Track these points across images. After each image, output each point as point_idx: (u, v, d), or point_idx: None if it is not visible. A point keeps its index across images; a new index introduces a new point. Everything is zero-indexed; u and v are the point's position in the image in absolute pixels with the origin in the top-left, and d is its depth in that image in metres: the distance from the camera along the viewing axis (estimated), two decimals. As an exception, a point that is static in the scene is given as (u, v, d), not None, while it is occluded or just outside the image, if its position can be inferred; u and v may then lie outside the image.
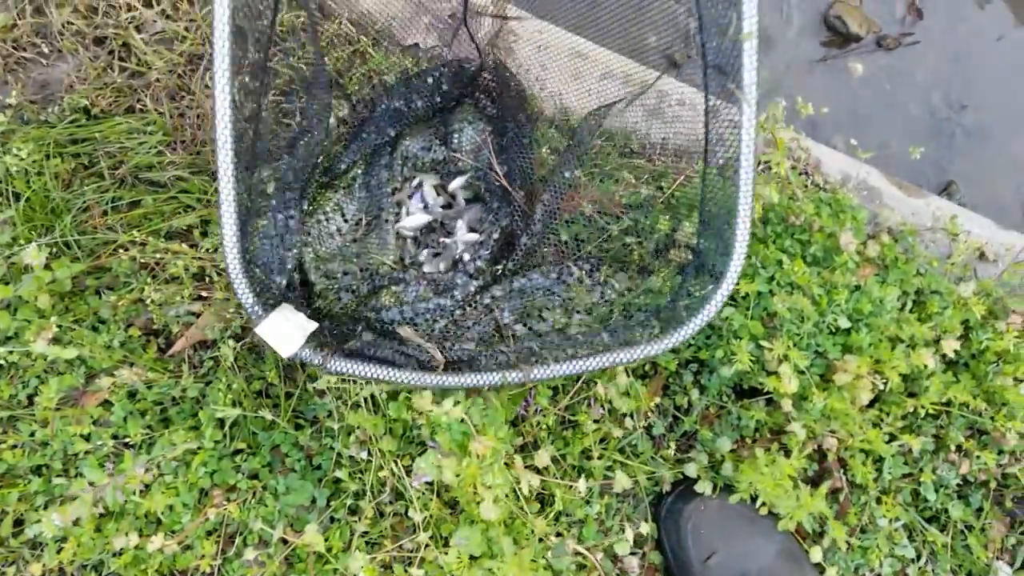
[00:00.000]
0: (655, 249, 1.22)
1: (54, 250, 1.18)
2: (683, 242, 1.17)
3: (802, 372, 1.13)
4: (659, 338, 1.01)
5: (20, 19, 1.37)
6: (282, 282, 1.11)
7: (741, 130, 0.93)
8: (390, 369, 1.02)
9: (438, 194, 1.27)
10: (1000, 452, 1.22)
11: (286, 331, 0.99)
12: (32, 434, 1.12)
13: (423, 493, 1.13)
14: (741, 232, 0.96)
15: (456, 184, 1.24)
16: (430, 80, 1.28)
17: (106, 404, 1.15)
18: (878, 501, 1.20)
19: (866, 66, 1.95)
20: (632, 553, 1.22)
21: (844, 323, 1.14)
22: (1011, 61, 1.98)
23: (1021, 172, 1.94)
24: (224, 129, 0.89)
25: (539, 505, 1.18)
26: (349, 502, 1.16)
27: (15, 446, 1.12)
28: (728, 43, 0.95)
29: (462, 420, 1.03)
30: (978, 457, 1.20)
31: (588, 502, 1.20)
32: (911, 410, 1.18)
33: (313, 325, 1.00)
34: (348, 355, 1.02)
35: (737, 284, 1.13)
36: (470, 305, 1.13)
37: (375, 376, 1.01)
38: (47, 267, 1.12)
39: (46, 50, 1.36)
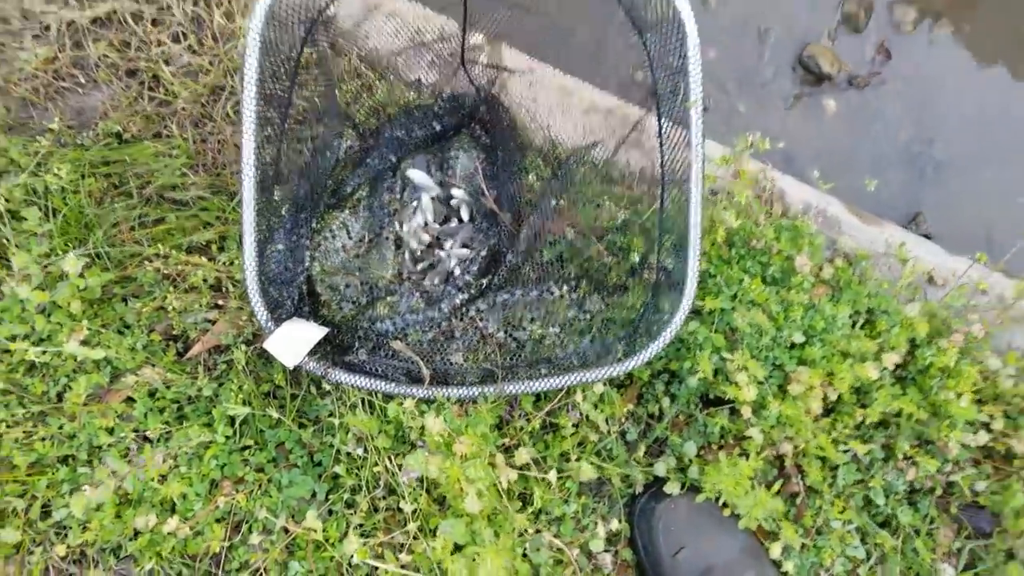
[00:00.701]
0: (631, 269, 1.34)
1: (87, 261, 1.30)
2: (653, 262, 1.29)
3: (761, 382, 1.25)
4: (621, 361, 1.16)
5: (60, 52, 1.51)
6: (294, 295, 1.24)
7: (690, 182, 1.08)
8: (382, 381, 1.15)
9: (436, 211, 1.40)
10: (945, 461, 1.32)
11: (292, 344, 1.12)
12: (60, 427, 1.24)
13: (413, 488, 1.24)
14: (692, 260, 1.11)
15: (457, 199, 1.37)
16: (430, 112, 1.41)
17: (129, 401, 1.26)
18: (832, 505, 1.31)
19: (838, 103, 2.08)
20: (606, 550, 1.32)
21: (799, 338, 1.26)
22: (976, 98, 2.10)
23: (985, 203, 2.06)
24: (248, 161, 1.02)
25: (520, 504, 1.28)
26: (346, 496, 1.26)
27: (44, 438, 1.23)
28: (680, 107, 1.10)
29: (445, 423, 1.15)
30: (924, 465, 1.31)
31: (566, 501, 1.30)
32: (862, 419, 1.28)
33: (323, 331, 1.13)
34: (347, 367, 1.15)
35: (702, 301, 1.26)
36: (457, 317, 1.25)
37: (369, 387, 1.14)
38: (80, 275, 1.24)
39: (83, 80, 1.50)
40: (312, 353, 1.13)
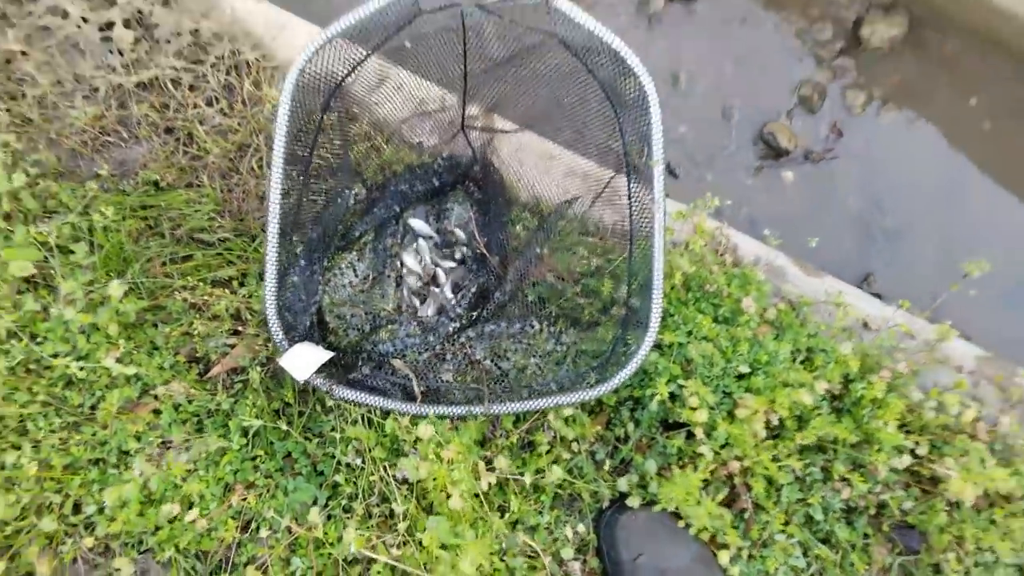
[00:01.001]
0: (602, 307, 1.54)
1: (125, 289, 1.48)
2: (622, 301, 1.48)
3: (712, 407, 1.43)
4: (593, 387, 1.33)
5: (107, 111, 1.74)
6: (306, 322, 1.42)
7: (654, 231, 1.29)
8: (380, 398, 1.32)
9: (431, 252, 1.60)
10: (875, 482, 1.49)
11: (302, 362, 1.29)
12: (94, 434, 1.40)
13: (405, 496, 1.40)
14: (656, 300, 1.30)
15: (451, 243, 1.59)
16: (430, 170, 1.63)
17: (155, 413, 1.43)
18: (776, 519, 1.46)
19: (796, 175, 2.32)
20: (575, 558, 1.47)
21: (745, 369, 1.45)
22: (920, 171, 2.34)
23: (928, 264, 2.28)
24: (274, 208, 1.23)
25: (500, 513, 1.44)
26: (344, 503, 1.42)
27: (79, 443, 1.39)
28: (646, 166, 1.31)
29: (435, 432, 1.32)
30: (858, 486, 1.47)
31: (540, 513, 1.46)
32: (803, 443, 1.46)
33: (328, 355, 1.30)
34: (349, 384, 1.32)
35: (662, 335, 1.45)
36: (449, 342, 1.44)
37: (367, 403, 1.30)
38: (120, 301, 1.43)
39: (126, 136, 1.72)
40: (319, 372, 1.31)
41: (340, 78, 1.46)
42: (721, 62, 2.30)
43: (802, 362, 1.52)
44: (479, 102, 1.69)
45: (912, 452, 1.50)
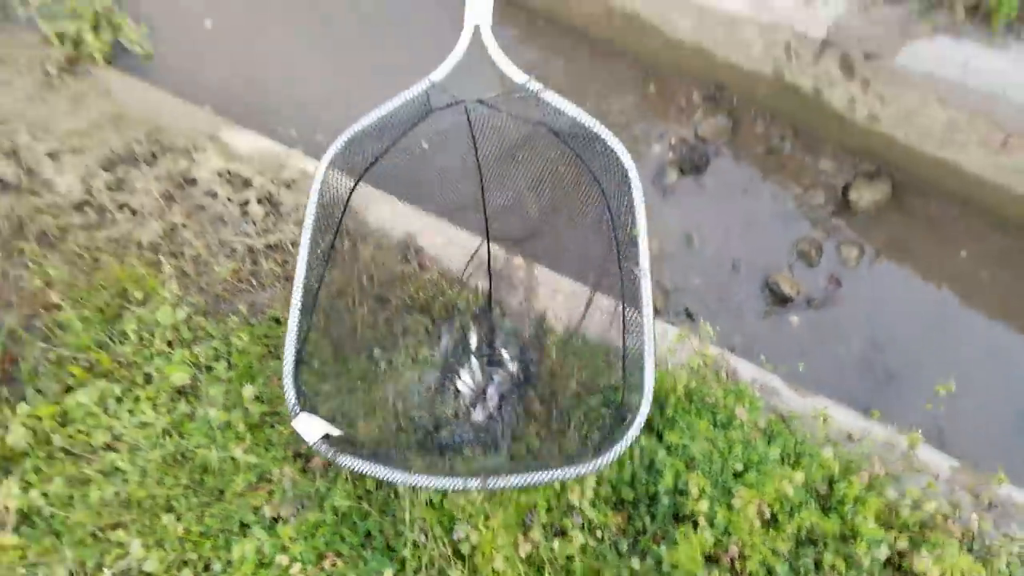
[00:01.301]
0: (617, 412, 1.89)
1: (255, 394, 1.93)
2: (624, 401, 1.84)
3: (712, 498, 1.73)
4: (587, 462, 1.61)
5: (242, 266, 2.28)
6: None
7: (643, 317, 1.67)
8: (379, 467, 1.53)
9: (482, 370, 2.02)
10: (862, 572, 1.73)
11: (312, 429, 1.60)
12: (222, 508, 1.79)
13: (461, 571, 1.71)
14: (645, 400, 1.63)
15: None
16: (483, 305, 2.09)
17: (269, 493, 1.82)
18: (776, 603, 1.71)
19: (800, 319, 2.68)
20: (603, 631, 1.73)
21: (739, 467, 1.76)
22: (914, 315, 2.66)
23: (922, 398, 2.53)
24: (296, 294, 1.67)
25: (538, 590, 1.73)
26: (411, 574, 1.75)
27: (211, 515, 1.78)
28: (632, 238, 1.69)
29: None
30: (846, 575, 1.72)
31: (573, 592, 1.75)
32: (794, 531, 1.73)
33: (336, 431, 1.64)
34: (350, 454, 1.60)
35: (670, 438, 1.80)
36: (498, 445, 1.82)
37: (362, 470, 1.53)
38: (251, 402, 1.87)
39: (255, 284, 2.25)
40: (325, 439, 1.57)
41: (338, 218, 1.92)
42: (728, 224, 2.76)
43: (791, 464, 1.83)
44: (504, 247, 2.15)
45: (891, 547, 1.74)
